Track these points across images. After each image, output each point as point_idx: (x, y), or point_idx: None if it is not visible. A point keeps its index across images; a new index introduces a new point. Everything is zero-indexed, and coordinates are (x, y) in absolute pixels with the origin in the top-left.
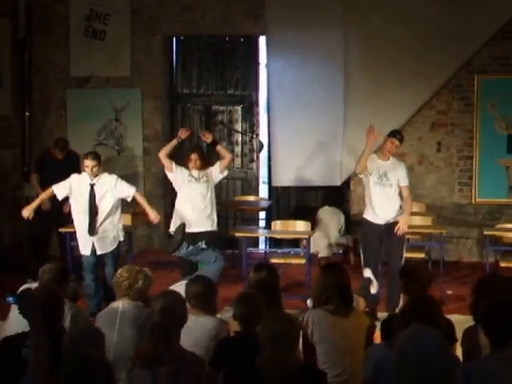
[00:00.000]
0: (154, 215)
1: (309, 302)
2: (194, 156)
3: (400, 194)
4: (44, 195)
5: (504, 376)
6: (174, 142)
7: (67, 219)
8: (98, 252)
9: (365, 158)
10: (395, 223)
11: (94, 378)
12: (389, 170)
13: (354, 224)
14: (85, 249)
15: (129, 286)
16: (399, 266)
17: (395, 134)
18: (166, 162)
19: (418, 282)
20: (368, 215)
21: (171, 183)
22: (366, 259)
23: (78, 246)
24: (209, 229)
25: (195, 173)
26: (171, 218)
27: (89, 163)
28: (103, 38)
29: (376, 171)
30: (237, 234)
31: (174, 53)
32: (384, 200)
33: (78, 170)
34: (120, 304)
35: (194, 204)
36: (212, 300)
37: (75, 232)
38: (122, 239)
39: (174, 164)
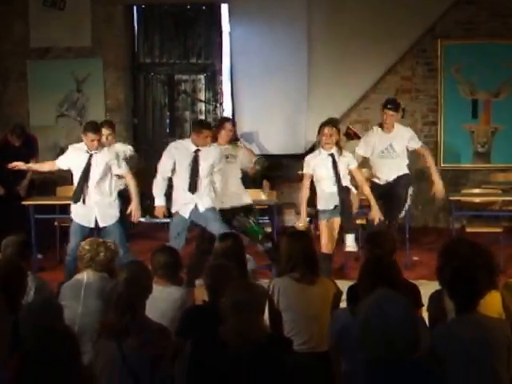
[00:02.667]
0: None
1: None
2: (228, 125)
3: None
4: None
5: (469, 339)
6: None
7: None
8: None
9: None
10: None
11: (60, 351)
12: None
13: None
14: None
15: (91, 259)
16: None
17: (386, 104)
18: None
19: (383, 247)
20: None
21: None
22: None
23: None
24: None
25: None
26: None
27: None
28: (63, 7)
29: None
30: None
31: (135, 22)
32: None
33: (36, 154)
34: (85, 276)
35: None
36: (178, 270)
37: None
38: None
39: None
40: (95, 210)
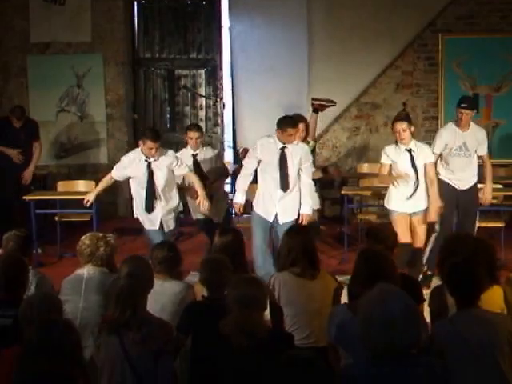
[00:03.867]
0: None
1: None
2: (301, 126)
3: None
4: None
5: (469, 335)
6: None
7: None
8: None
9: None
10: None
11: (61, 344)
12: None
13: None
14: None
15: (90, 253)
16: None
17: (460, 102)
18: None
19: (384, 243)
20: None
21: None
22: None
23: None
24: None
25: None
26: None
27: (192, 135)
28: (63, 2)
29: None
30: None
31: (135, 17)
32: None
33: (36, 137)
34: (85, 271)
35: None
36: (178, 265)
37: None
38: None
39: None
40: (159, 215)
